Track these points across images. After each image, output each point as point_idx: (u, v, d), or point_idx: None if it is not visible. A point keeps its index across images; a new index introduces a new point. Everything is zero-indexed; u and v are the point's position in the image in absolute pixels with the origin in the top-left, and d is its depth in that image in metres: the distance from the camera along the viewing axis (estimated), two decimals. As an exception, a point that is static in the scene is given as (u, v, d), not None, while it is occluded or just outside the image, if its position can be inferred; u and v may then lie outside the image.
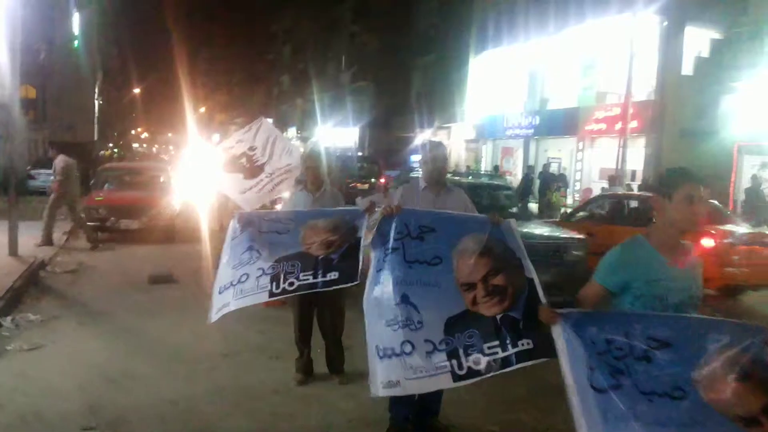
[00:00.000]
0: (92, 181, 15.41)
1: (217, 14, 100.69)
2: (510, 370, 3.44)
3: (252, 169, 7.32)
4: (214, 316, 4.22)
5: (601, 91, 23.38)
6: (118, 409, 4.64)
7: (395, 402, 4.23)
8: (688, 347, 2.67)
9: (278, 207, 7.33)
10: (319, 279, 4.13)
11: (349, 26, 43.45)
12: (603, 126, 22.60)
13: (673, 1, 19.38)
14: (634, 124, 20.27)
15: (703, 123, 19.92)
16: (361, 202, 4.53)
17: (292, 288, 4.16)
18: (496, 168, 26.09)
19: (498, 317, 3.68)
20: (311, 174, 5.29)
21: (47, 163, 24.96)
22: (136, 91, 77.52)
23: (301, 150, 7.39)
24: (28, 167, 24.69)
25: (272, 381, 5.27)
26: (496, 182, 16.44)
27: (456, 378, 3.56)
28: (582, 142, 24.76)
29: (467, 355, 3.56)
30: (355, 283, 4.05)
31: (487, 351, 3.57)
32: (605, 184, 19.26)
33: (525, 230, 7.71)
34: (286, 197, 6.62)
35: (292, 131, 61.84)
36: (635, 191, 15.15)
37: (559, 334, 2.89)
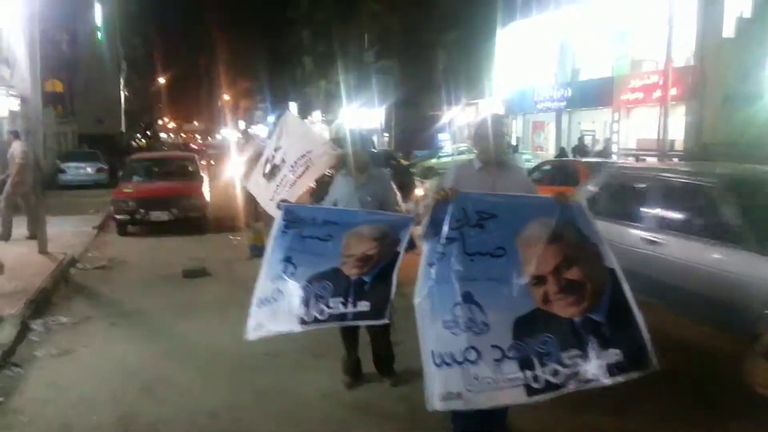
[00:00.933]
0: (120, 173, 15.18)
1: None
2: (598, 386, 2.98)
3: (273, 169, 6.71)
4: (252, 333, 4.17)
5: (637, 58, 22.51)
6: (152, 421, 4.29)
7: (457, 414, 3.71)
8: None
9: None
10: (350, 309, 4.03)
11: (371, 5, 42.64)
12: (640, 95, 21.77)
13: (712, -41, 18.43)
14: (673, 91, 19.39)
15: (748, 87, 19.00)
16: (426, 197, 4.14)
17: (322, 318, 4.08)
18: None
19: (576, 320, 3.20)
20: (354, 158, 4.81)
21: (77, 156, 25.26)
22: (161, 81, 77.81)
23: (324, 134, 6.89)
24: (57, 161, 24.67)
25: (320, 384, 4.86)
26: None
27: (531, 392, 3.11)
28: (617, 112, 23.92)
29: (542, 365, 3.09)
30: (385, 321, 4.04)
31: (566, 361, 3.10)
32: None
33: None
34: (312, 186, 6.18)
35: (316, 114, 61.44)
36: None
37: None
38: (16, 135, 11.65)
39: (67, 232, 11.78)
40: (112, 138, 37.46)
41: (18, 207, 11.23)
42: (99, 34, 43.91)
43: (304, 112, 63.89)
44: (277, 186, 6.53)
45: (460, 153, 25.83)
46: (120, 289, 8.06)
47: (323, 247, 4.18)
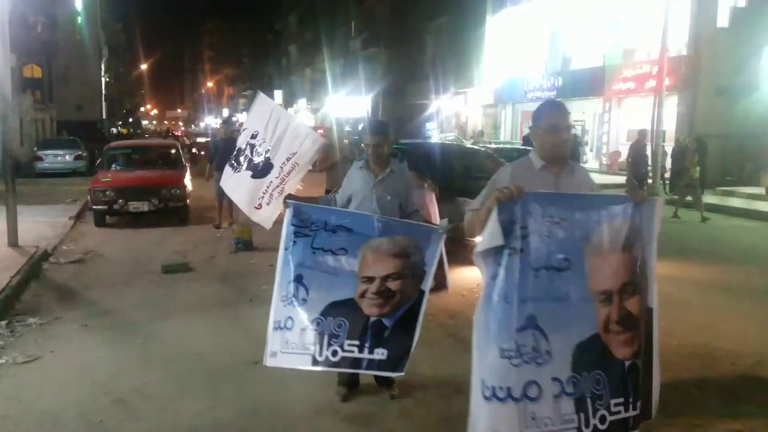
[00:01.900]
0: (98, 161, 14.57)
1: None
2: None
3: (264, 165, 5.79)
4: (269, 360, 3.87)
5: (629, 48, 22.17)
6: (127, 442, 3.82)
7: None
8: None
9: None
10: (365, 355, 3.69)
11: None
12: (631, 85, 21.46)
13: (708, -53, 18.06)
14: (666, 82, 19.07)
15: (742, 79, 18.82)
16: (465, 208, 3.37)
17: (335, 359, 3.74)
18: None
19: (627, 364, 2.73)
20: (373, 152, 4.25)
21: (56, 143, 24.50)
22: (143, 67, 76.56)
23: (311, 128, 6.30)
24: (35, 148, 23.91)
25: (313, 396, 4.39)
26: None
27: None
28: (608, 102, 23.61)
29: (595, 409, 2.63)
30: (401, 374, 3.73)
31: (613, 408, 2.66)
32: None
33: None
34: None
35: (302, 102, 60.73)
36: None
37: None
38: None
39: (41, 222, 11.22)
40: (92, 125, 36.62)
41: None
42: (79, 19, 42.83)
43: (289, 101, 63.17)
44: (263, 195, 5.75)
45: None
46: (95, 286, 7.54)
47: (337, 264, 3.75)
